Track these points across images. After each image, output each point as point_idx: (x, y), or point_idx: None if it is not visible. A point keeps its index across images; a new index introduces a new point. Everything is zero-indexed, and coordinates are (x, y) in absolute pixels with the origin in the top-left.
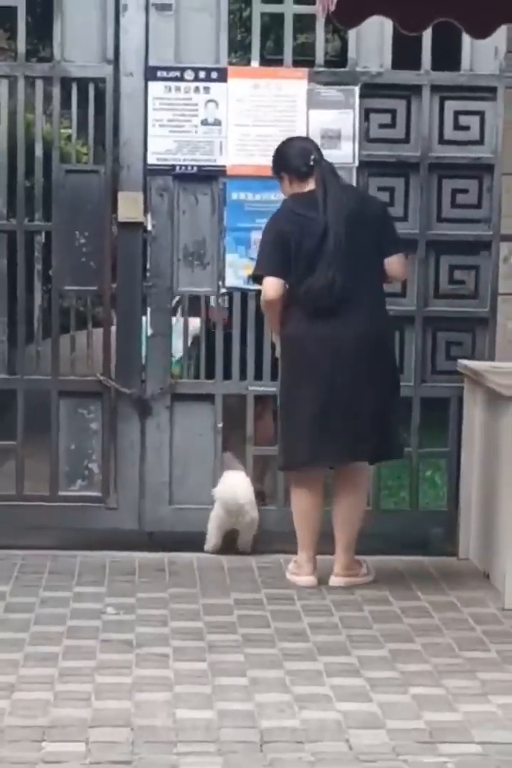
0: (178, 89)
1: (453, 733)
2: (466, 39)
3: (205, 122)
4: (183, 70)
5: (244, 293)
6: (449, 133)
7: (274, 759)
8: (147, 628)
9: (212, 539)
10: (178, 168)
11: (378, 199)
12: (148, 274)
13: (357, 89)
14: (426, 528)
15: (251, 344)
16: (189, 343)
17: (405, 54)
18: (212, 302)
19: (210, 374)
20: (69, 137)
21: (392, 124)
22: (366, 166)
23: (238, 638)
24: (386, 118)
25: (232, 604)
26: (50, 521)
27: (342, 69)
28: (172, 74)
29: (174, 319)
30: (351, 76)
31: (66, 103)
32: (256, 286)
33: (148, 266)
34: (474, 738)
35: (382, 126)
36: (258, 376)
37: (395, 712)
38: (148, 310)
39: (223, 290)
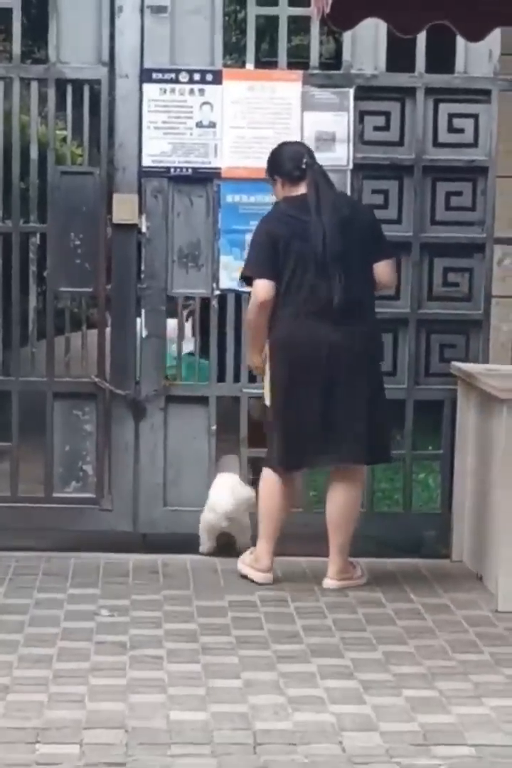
0: (172, 91)
1: (447, 735)
2: (460, 42)
3: (199, 124)
4: (178, 72)
5: (238, 295)
6: (443, 135)
7: (268, 761)
8: (141, 630)
9: (206, 543)
10: (172, 170)
11: (368, 206)
12: (142, 275)
13: (351, 92)
14: (420, 530)
15: (245, 346)
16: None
17: (399, 57)
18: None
19: (203, 376)
20: (64, 139)
21: (386, 127)
22: (361, 169)
23: (231, 640)
24: (380, 121)
25: (226, 606)
26: (44, 523)
27: (336, 71)
28: (167, 76)
29: (187, 325)
30: (346, 79)
31: (61, 104)
32: (247, 288)
33: (142, 268)
34: (467, 740)
35: (377, 128)
36: (253, 378)
37: (388, 714)
38: (143, 311)
39: (217, 292)
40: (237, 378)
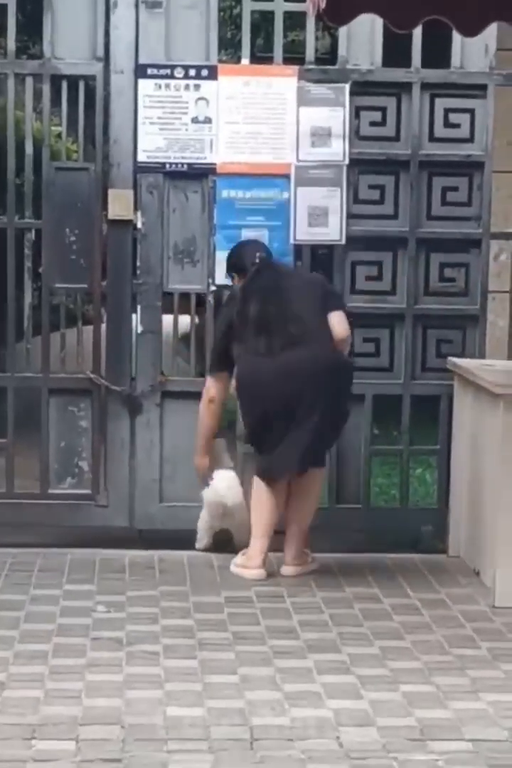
0: (168, 87)
1: (444, 730)
2: (456, 37)
3: (195, 120)
4: (173, 67)
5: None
6: (439, 130)
7: (265, 756)
8: (137, 626)
9: (203, 539)
10: (168, 166)
11: (317, 274)
12: (137, 271)
13: (347, 87)
14: (417, 525)
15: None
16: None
17: (395, 52)
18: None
19: (199, 372)
20: (59, 135)
21: (382, 122)
22: (357, 164)
23: (228, 636)
24: (376, 116)
25: (222, 601)
26: (40, 519)
27: (332, 67)
28: (162, 72)
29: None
30: (342, 74)
31: (56, 100)
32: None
33: (138, 264)
34: (464, 735)
35: (373, 123)
36: None
37: (385, 709)
38: (138, 307)
39: (213, 288)
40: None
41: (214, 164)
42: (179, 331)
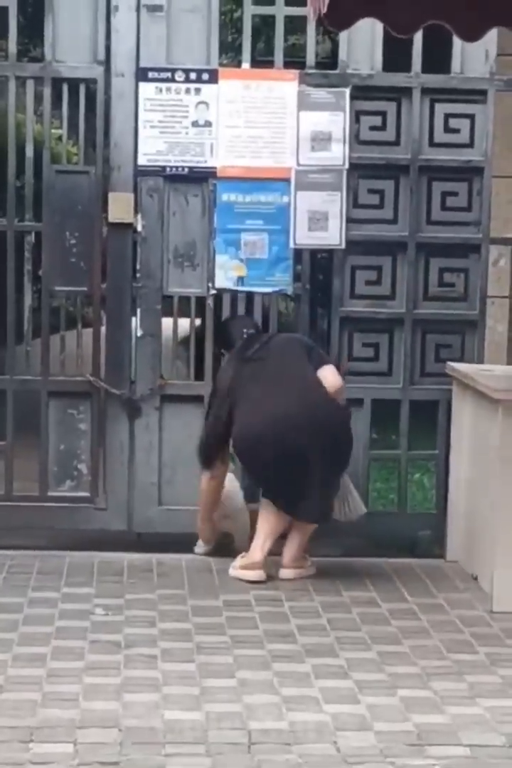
0: (168, 90)
1: (441, 735)
2: (457, 42)
3: (195, 123)
4: (174, 71)
5: (234, 294)
6: (439, 135)
7: (262, 760)
8: (135, 629)
9: (202, 545)
10: (168, 169)
11: (299, 337)
12: (137, 274)
13: (347, 91)
14: (415, 530)
15: None
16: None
17: (395, 56)
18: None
19: (199, 376)
20: (59, 138)
21: (382, 127)
22: (357, 169)
23: (226, 640)
24: (376, 121)
25: (221, 605)
26: (39, 521)
27: (332, 71)
28: (163, 75)
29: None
30: (342, 79)
31: (57, 103)
32: (242, 288)
33: (137, 267)
34: (461, 740)
35: (373, 128)
36: None
37: (383, 714)
38: (138, 310)
39: (213, 291)
40: None
41: (214, 168)
42: (179, 334)
